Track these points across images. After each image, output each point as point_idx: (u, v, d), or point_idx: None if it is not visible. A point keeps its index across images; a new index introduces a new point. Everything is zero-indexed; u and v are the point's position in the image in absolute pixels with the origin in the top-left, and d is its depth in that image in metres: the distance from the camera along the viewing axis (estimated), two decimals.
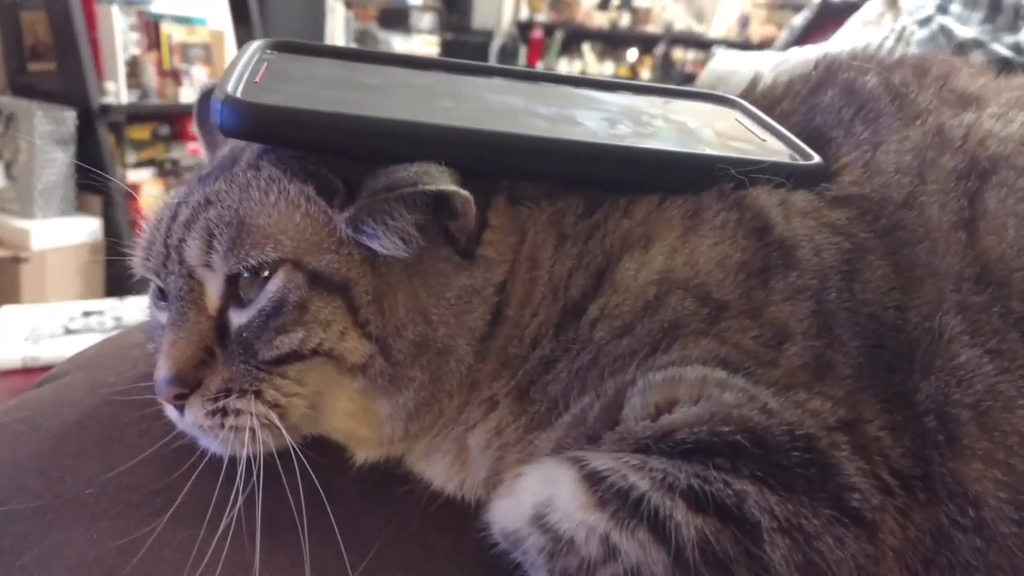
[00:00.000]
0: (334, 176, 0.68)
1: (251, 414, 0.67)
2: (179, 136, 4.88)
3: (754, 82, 0.93)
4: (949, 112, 0.73)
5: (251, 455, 0.67)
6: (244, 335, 0.67)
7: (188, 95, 4.73)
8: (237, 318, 0.68)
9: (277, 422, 0.67)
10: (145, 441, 0.74)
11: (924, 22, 2.09)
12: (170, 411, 0.71)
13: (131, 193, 4.03)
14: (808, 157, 0.73)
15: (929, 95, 0.75)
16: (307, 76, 0.76)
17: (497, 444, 0.69)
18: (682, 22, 8.21)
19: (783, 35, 3.00)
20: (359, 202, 0.64)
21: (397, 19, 6.67)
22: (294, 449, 0.66)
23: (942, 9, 2.13)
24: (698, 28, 8.23)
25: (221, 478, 0.67)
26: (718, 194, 0.69)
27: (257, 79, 0.70)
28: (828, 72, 0.82)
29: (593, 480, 0.60)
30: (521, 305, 0.69)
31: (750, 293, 0.65)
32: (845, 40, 2.18)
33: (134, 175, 4.57)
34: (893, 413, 0.62)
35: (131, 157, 4.59)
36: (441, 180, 0.63)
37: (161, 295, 0.75)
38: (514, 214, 0.71)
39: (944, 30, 2.10)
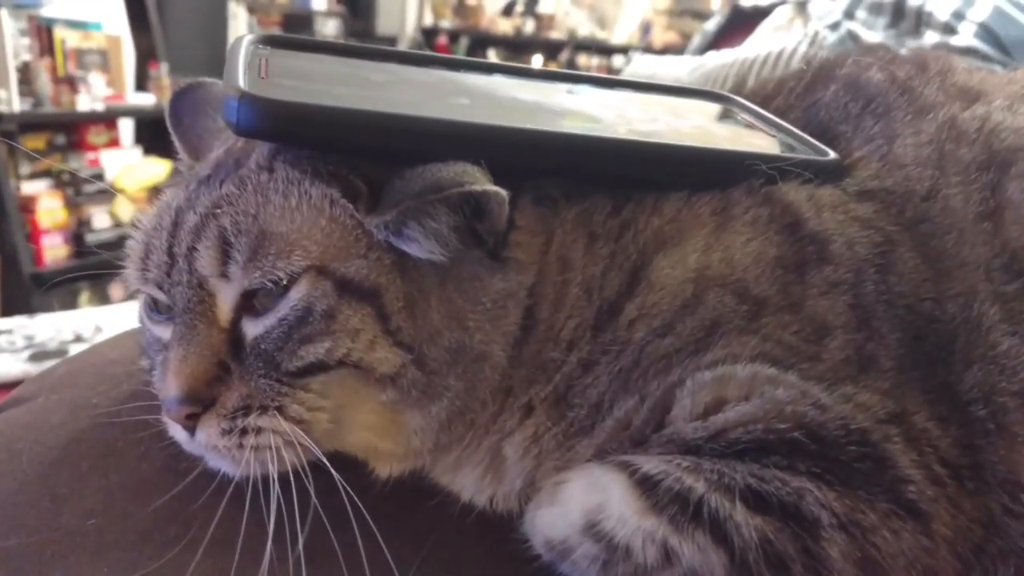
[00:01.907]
0: (355, 178, 0.64)
1: (273, 432, 0.63)
2: (76, 145, 4.68)
3: (741, 80, 0.94)
4: (958, 105, 0.74)
5: (270, 475, 0.63)
6: (262, 346, 0.63)
7: (85, 103, 4.55)
8: (253, 328, 0.64)
9: (304, 439, 0.62)
10: (147, 466, 0.69)
11: (833, 27, 2.17)
12: (177, 432, 0.66)
13: None
14: (822, 152, 0.73)
15: (934, 89, 0.76)
16: (311, 72, 0.72)
17: (535, 452, 0.67)
18: (585, 28, 8.31)
19: (696, 40, 3.04)
20: (403, 204, 0.60)
21: (301, 25, 6.56)
22: (332, 469, 0.62)
23: (848, 15, 2.21)
24: (601, 34, 8.35)
25: (246, 503, 0.63)
26: (747, 190, 0.69)
27: (262, 75, 0.66)
28: (824, 68, 0.83)
29: (646, 484, 0.59)
30: (554, 307, 0.67)
31: (787, 288, 0.65)
32: (758, 44, 2.23)
33: (29, 187, 4.36)
34: (937, 404, 0.62)
35: (25, 168, 4.37)
36: (483, 180, 0.60)
37: (155, 307, 0.70)
38: (540, 214, 0.69)
39: (852, 35, 2.17)
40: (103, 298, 4.43)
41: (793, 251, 0.66)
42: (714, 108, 0.85)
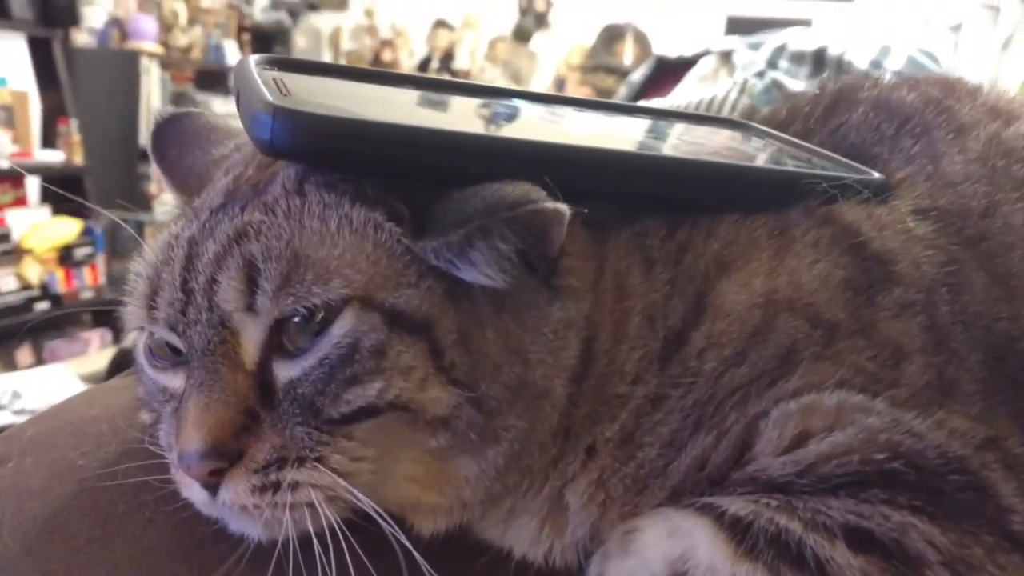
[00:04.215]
0: (396, 201, 0.59)
1: (313, 486, 0.56)
2: None
3: (751, 111, 0.91)
4: (997, 123, 0.72)
5: (312, 535, 0.56)
6: (299, 391, 0.56)
7: None
8: (285, 371, 0.57)
9: (350, 493, 0.55)
10: (155, 533, 0.61)
11: (759, 75, 2.22)
12: (193, 492, 0.58)
13: None
14: (865, 174, 0.70)
15: (968, 108, 0.75)
16: (333, 92, 0.66)
17: (600, 498, 0.61)
18: (501, 84, 8.39)
19: (622, 91, 3.07)
20: (472, 223, 0.54)
21: (214, 81, 6.42)
22: (390, 522, 0.55)
23: (772, 64, 2.27)
24: None
25: (287, 568, 0.55)
26: (804, 211, 0.65)
27: (284, 93, 0.60)
28: (844, 92, 0.81)
29: (736, 527, 0.53)
30: (615, 338, 0.62)
31: (858, 311, 0.61)
32: (686, 94, 2.27)
33: None
34: None
35: None
36: (547, 200, 0.55)
37: (155, 353, 0.62)
38: (590, 239, 0.64)
39: (776, 83, 2.22)
40: (9, 364, 4.19)
41: (860, 272, 0.62)
42: (741, 135, 0.82)
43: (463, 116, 0.68)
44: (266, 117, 0.54)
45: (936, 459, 0.54)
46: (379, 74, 0.75)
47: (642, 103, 2.31)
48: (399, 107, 0.67)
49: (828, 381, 0.58)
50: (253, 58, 0.68)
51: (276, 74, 0.66)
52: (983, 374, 0.60)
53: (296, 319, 0.56)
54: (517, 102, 0.76)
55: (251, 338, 0.57)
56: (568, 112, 0.77)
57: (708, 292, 0.62)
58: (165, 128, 0.77)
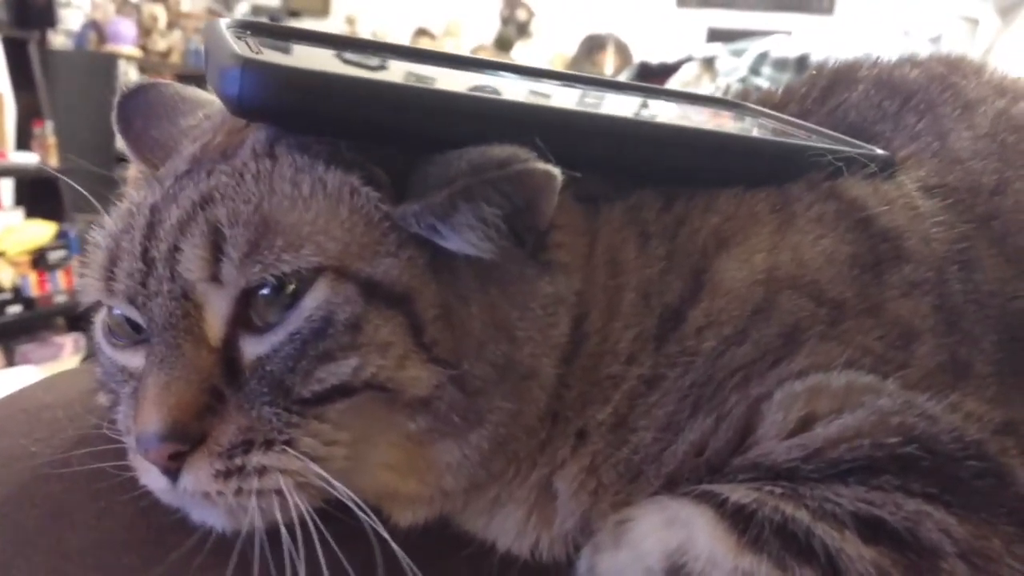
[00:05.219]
0: (374, 165, 0.55)
1: (282, 472, 0.51)
2: None
3: (744, 94, 0.88)
4: (1005, 100, 0.70)
5: (280, 525, 0.51)
6: (267, 368, 0.52)
7: None
8: (253, 347, 0.52)
9: (321, 478, 0.51)
10: (110, 524, 0.56)
11: (742, 81, 2.21)
12: (152, 479, 0.54)
13: None
14: (864, 149, 0.67)
15: (974, 85, 0.72)
16: (308, 54, 0.62)
17: (592, 486, 0.57)
18: None
19: None
20: (456, 183, 0.50)
21: (193, 85, 6.35)
22: (367, 511, 0.50)
23: (754, 71, 2.26)
24: None
25: (252, 562, 0.51)
26: (808, 185, 0.62)
27: (255, 51, 0.56)
28: (842, 71, 0.78)
29: (739, 516, 0.50)
30: (608, 316, 0.58)
31: (865, 290, 0.58)
32: None
33: None
34: None
35: None
36: (538, 161, 0.51)
37: (114, 331, 0.58)
38: (582, 212, 0.60)
39: (758, 90, 2.20)
40: None
41: (867, 249, 0.59)
42: (736, 114, 0.79)
43: (447, 82, 0.64)
44: (235, 71, 0.50)
45: (952, 443, 0.51)
46: (356, 41, 0.71)
47: None
48: (377, 72, 0.63)
49: (835, 362, 0.55)
50: (223, 20, 0.64)
51: (249, 38, 0.62)
52: (998, 356, 0.57)
53: (265, 290, 0.52)
54: (505, 73, 0.72)
55: (216, 311, 0.53)
56: (559, 86, 0.73)
57: (706, 268, 0.58)
58: (131, 99, 0.73)
